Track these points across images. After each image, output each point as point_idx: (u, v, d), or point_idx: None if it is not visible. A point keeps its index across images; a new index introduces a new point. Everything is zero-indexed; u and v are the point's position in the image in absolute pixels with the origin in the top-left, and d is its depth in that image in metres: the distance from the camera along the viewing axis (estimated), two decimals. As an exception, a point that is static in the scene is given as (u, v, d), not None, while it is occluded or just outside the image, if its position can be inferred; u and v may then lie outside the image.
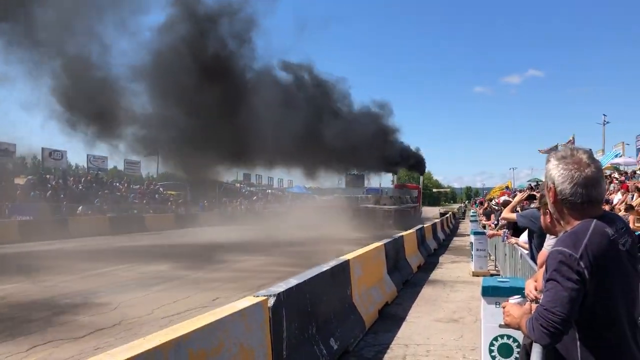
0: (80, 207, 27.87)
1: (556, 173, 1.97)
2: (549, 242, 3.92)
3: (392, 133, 38.27)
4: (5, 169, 30.21)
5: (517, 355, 3.89)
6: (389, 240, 10.00)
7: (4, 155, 31.15)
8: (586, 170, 1.92)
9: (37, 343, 5.94)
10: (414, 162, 43.60)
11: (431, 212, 49.88)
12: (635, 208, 10.13)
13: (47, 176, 32.19)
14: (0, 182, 26.93)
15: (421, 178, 53.35)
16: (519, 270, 6.95)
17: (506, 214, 6.58)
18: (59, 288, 9.51)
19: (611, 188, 17.41)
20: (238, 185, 53.95)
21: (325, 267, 5.64)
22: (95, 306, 7.98)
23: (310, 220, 26.86)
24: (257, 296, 3.87)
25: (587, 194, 1.92)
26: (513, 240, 7.68)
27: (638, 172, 19.68)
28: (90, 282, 10.20)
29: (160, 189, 40.28)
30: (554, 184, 1.98)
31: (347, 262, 6.44)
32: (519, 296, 2.30)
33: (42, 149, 33.89)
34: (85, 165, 39.30)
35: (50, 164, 35.15)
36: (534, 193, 8.07)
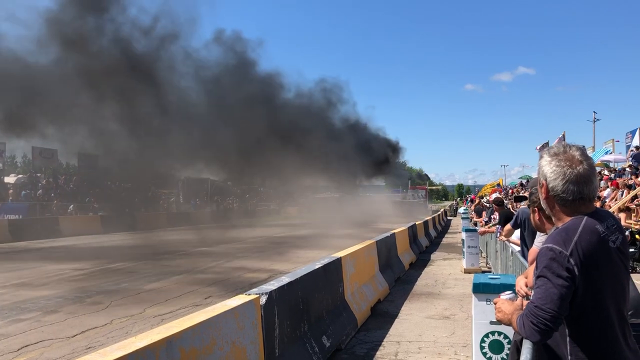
0: (71, 206, 27.68)
1: (548, 170, 1.98)
2: (540, 239, 3.96)
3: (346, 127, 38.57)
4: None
5: (508, 352, 3.91)
6: (380, 237, 10.02)
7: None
8: (578, 168, 1.93)
9: (29, 342, 5.90)
10: (379, 160, 44.40)
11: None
12: (625, 205, 10.22)
13: (38, 175, 31.91)
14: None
15: (427, 182, 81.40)
16: (510, 267, 6.99)
17: (505, 236, 6.94)
18: (50, 286, 9.45)
19: (601, 185, 17.53)
20: (230, 183, 53.67)
21: (317, 265, 5.64)
22: (86, 305, 7.94)
23: (371, 210, 40.34)
24: (249, 294, 3.86)
25: (578, 191, 1.93)
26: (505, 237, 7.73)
27: (628, 169, 19.81)
28: (80, 281, 10.14)
29: (152, 187, 39.98)
30: (546, 180, 1.99)
31: (339, 259, 6.44)
32: (510, 292, 2.30)
33: (32, 147, 33.51)
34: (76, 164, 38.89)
35: (40, 163, 34.80)
36: (525, 195, 8.24)
